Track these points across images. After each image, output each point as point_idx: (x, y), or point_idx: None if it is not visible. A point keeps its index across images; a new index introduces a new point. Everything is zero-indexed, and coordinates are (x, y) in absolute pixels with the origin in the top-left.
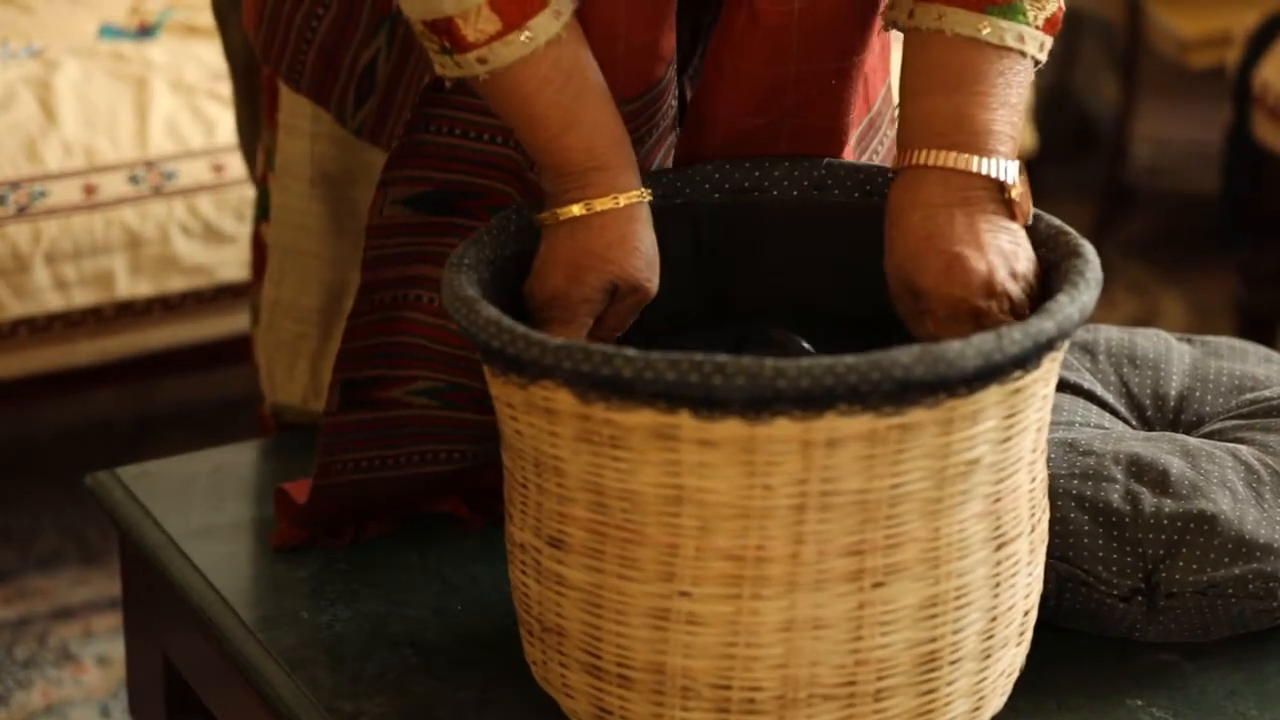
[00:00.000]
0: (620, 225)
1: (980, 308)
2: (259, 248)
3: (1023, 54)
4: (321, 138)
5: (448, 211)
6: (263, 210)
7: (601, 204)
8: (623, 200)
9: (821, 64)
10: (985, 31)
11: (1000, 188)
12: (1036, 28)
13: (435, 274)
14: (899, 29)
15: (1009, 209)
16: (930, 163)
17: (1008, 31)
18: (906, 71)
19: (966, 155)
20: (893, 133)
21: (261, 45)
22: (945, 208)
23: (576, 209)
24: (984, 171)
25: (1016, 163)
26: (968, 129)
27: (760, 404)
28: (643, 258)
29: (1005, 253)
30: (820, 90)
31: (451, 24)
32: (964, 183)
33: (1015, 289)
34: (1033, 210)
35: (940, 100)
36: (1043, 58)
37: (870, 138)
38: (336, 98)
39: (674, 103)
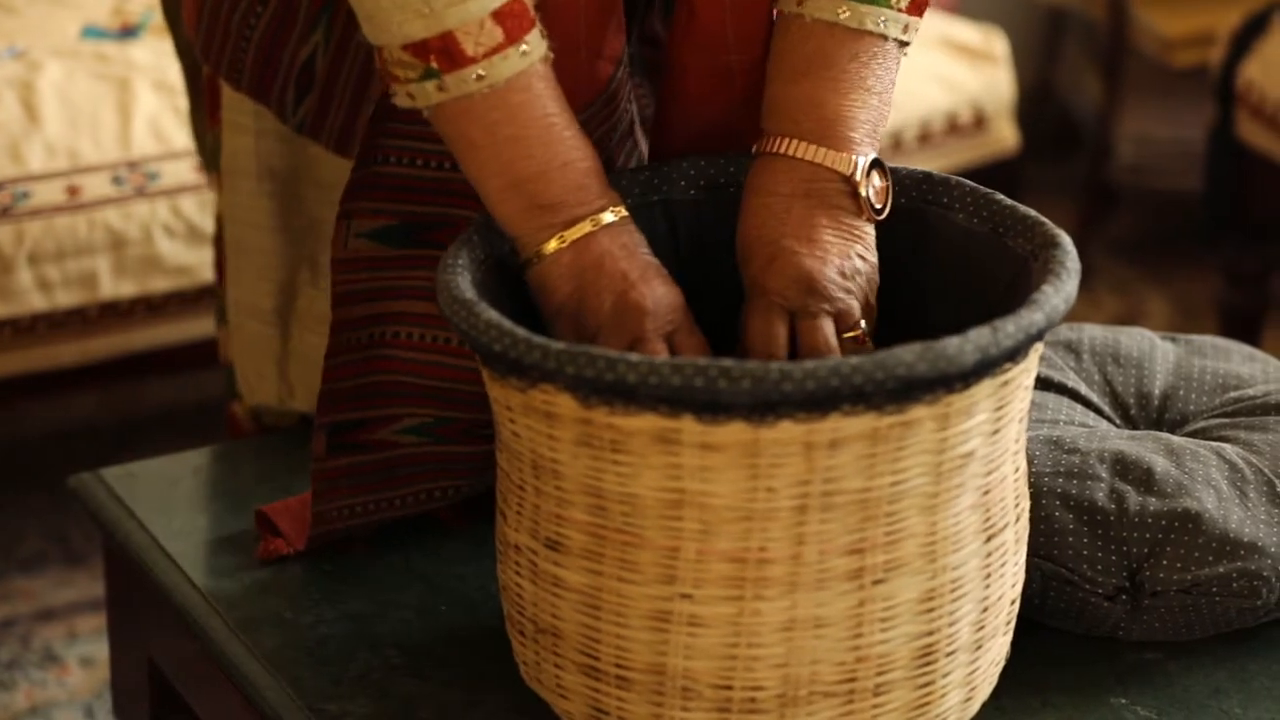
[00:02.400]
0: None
1: (796, 305)
2: (219, 248)
3: (883, 37)
4: (266, 134)
5: (414, 244)
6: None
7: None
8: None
9: (756, 52)
10: (844, 15)
11: (848, 182)
12: (900, 10)
13: (407, 309)
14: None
15: (857, 204)
16: (778, 150)
17: (867, 15)
18: (770, 58)
19: (813, 146)
20: None
21: (201, 44)
22: (786, 198)
23: (610, 215)
24: (829, 164)
25: (868, 156)
26: (818, 116)
27: (765, 407)
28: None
29: (838, 252)
30: (763, 77)
31: (451, 37)
32: (809, 174)
33: (838, 291)
34: (888, 206)
35: (792, 86)
36: (908, 39)
37: None
38: (277, 94)
39: (630, 106)
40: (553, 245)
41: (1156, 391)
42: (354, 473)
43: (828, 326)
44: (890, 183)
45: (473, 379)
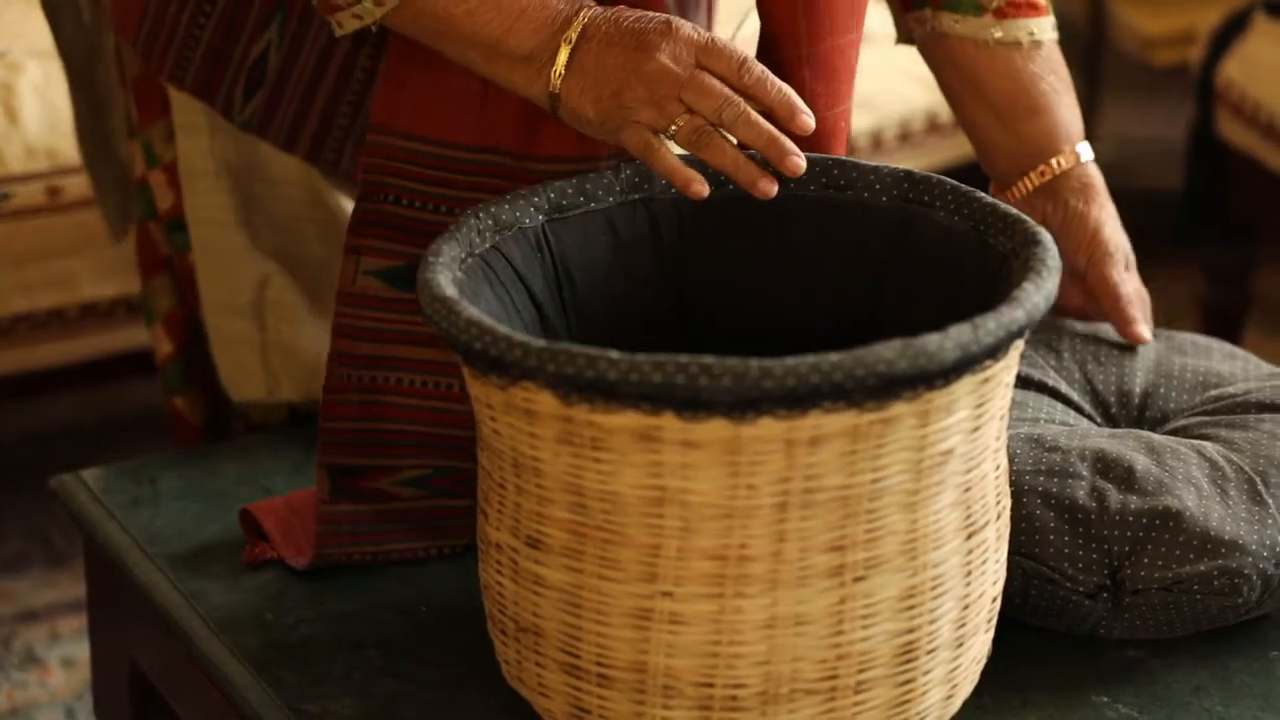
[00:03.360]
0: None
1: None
2: (145, 247)
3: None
4: (220, 131)
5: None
6: (148, 209)
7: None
8: None
9: (821, 46)
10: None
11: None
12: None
13: (409, 354)
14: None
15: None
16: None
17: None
18: (989, 95)
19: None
20: None
21: (143, 46)
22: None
23: (576, 27)
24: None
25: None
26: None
27: (745, 404)
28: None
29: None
30: (813, 73)
31: None
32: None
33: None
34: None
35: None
36: (1052, 33)
37: None
38: (224, 92)
39: None
40: (556, 84)
41: (1137, 389)
42: (356, 520)
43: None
44: None
45: (472, 424)
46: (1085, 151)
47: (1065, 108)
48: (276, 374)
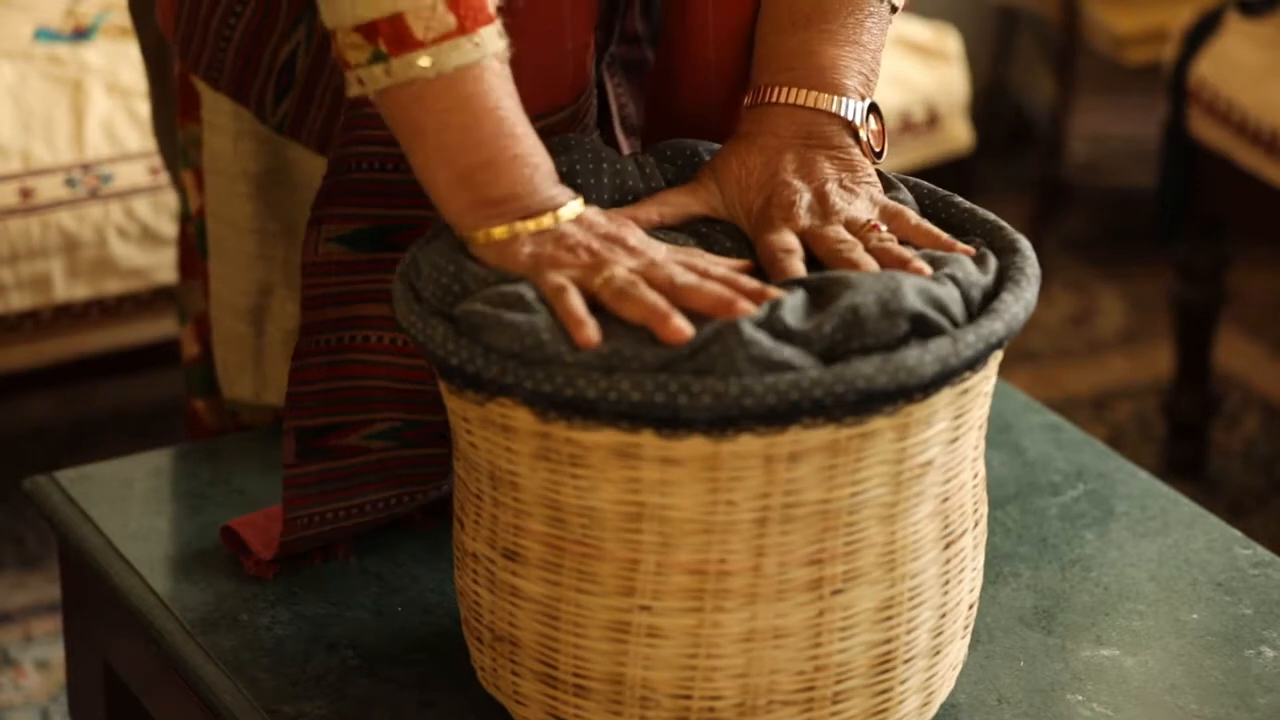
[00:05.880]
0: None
1: (804, 225)
2: (185, 248)
3: None
4: (244, 135)
5: (384, 248)
6: (187, 210)
7: (579, 206)
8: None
9: (735, 50)
10: None
11: (847, 125)
12: None
13: (377, 311)
14: None
15: (858, 146)
16: (774, 99)
17: None
18: (763, 13)
19: (811, 91)
20: None
21: (180, 45)
22: (785, 139)
23: (573, 208)
24: (828, 109)
25: (866, 102)
26: (814, 64)
27: (725, 421)
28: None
29: (837, 177)
30: (737, 78)
31: (400, 20)
32: (808, 119)
33: (841, 201)
34: (885, 150)
35: (788, 37)
36: (898, 3)
37: None
38: (256, 94)
39: (594, 100)
40: (499, 232)
41: None
42: (323, 479)
43: (838, 229)
44: (885, 127)
45: None
46: (849, 109)
47: (843, 48)
48: (266, 378)
